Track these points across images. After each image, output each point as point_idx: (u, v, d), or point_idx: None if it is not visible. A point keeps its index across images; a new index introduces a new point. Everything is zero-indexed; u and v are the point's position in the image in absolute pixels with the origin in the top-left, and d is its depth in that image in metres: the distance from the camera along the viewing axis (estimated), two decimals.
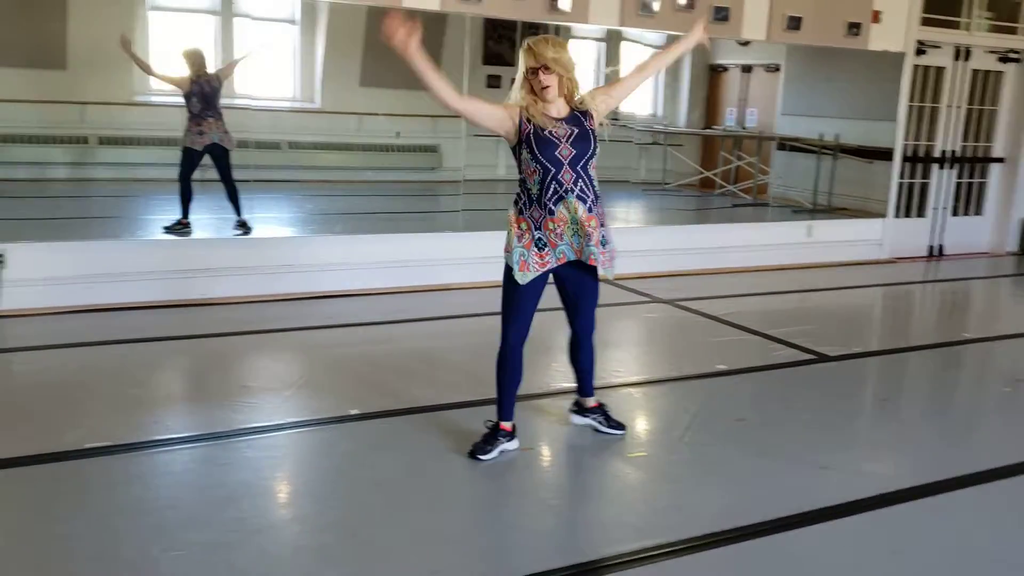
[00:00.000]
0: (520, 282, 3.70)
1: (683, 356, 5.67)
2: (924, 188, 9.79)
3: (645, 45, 12.46)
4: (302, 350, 5.51)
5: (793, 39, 8.50)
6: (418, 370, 5.06)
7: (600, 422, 4.17)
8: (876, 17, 8.68)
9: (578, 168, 3.65)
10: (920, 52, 9.22)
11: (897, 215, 9.56)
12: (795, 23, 8.26)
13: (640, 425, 4.48)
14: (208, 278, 6.28)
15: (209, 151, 7.08)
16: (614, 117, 4.00)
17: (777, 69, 11.64)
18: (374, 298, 6.70)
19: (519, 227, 3.70)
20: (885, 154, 9.46)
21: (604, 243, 3.76)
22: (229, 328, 5.75)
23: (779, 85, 11.64)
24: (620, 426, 4.18)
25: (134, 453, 3.78)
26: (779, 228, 9.21)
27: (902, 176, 9.52)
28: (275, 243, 7.03)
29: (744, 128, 11.81)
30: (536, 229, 3.68)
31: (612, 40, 12.16)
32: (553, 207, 3.64)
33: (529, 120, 3.61)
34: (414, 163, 11.11)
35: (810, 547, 3.26)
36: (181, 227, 6.85)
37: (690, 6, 7.61)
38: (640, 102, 12.91)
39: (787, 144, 11.00)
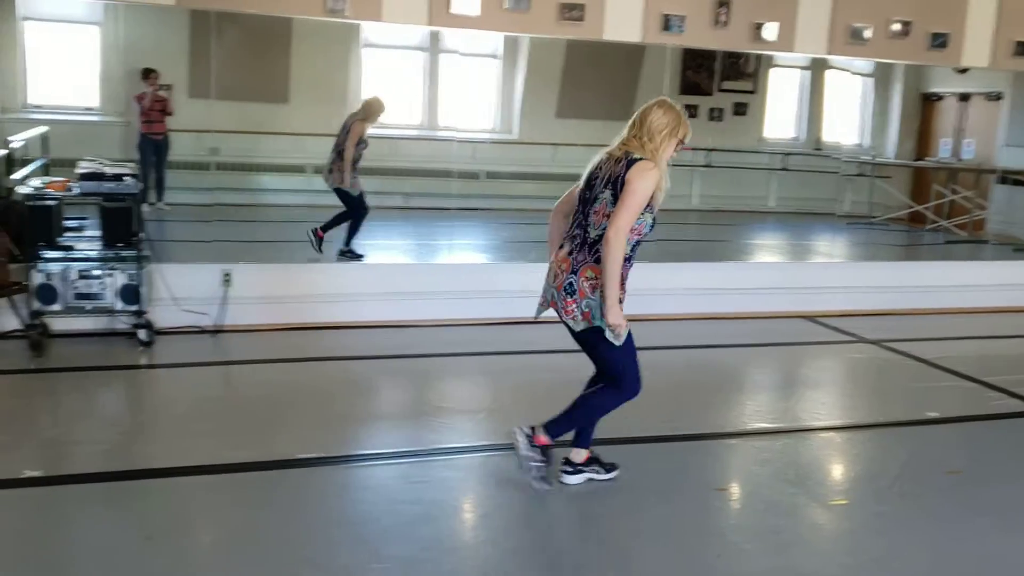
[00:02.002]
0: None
1: (890, 401, 5.35)
2: None
3: (853, 73, 11.98)
4: (495, 374, 5.63)
5: (1021, 66, 7.90)
6: None
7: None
8: None
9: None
10: None
11: None
12: (1023, 49, 7.67)
13: (842, 472, 4.26)
14: (409, 301, 6.53)
15: None
16: (817, 147, 3.80)
17: (999, 97, 10.87)
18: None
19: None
20: None
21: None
22: (426, 350, 5.95)
23: (1001, 114, 10.88)
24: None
25: (338, 466, 3.98)
26: (999, 267, 8.55)
27: None
28: (471, 269, 7.24)
29: (960, 160, 11.09)
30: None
31: (816, 68, 11.78)
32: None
33: None
34: None
35: None
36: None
37: (904, 33, 7.24)
38: (845, 131, 12.41)
39: (1010, 177, 10.24)
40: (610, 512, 3.67)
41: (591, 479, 3.82)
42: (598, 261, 3.41)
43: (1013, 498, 3.90)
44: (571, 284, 3.49)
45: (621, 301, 3.47)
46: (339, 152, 7.22)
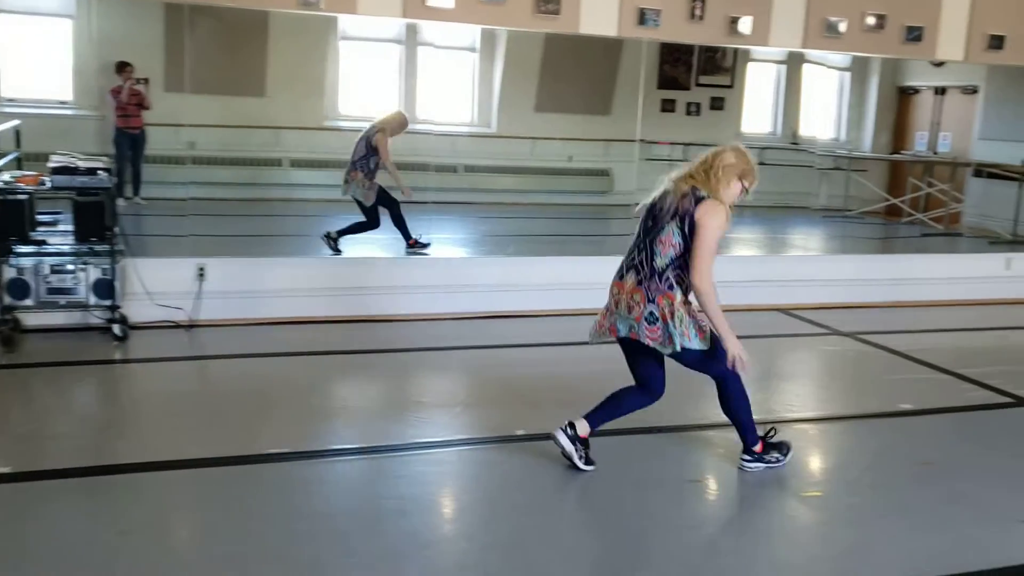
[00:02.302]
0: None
1: (864, 392, 5.39)
2: None
3: (829, 67, 12.05)
4: (473, 368, 5.63)
5: (994, 59, 7.96)
6: (586, 394, 5.03)
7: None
8: None
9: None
10: None
11: None
12: (997, 42, 7.74)
13: (816, 464, 4.29)
14: (386, 295, 6.52)
15: None
16: (793, 141, 3.93)
17: (975, 91, 10.96)
18: (544, 319, 6.75)
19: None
20: None
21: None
22: (404, 344, 5.95)
23: (977, 108, 10.97)
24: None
25: (314, 460, 3.96)
26: (973, 260, 8.62)
27: None
28: (449, 263, 7.24)
29: (936, 153, 11.18)
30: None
31: (792, 62, 11.83)
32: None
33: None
34: (586, 187, 11.18)
35: None
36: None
37: (879, 26, 7.29)
38: (822, 125, 12.47)
39: (985, 171, 10.33)
40: (585, 505, 3.68)
41: (571, 459, 3.84)
42: (671, 288, 3.63)
43: (985, 489, 3.94)
44: (652, 313, 3.64)
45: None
46: (354, 163, 7.23)
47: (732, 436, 4.35)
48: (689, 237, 3.59)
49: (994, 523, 3.59)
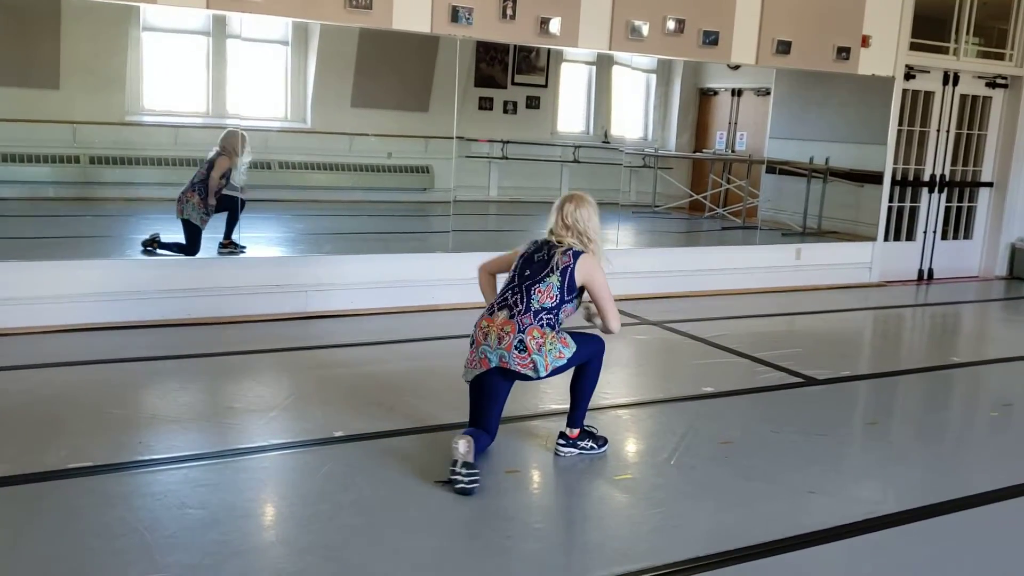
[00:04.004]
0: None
1: (671, 378, 5.67)
2: (914, 212, 9.85)
3: (635, 69, 12.57)
4: (289, 371, 5.49)
5: (782, 63, 8.58)
6: (405, 391, 5.04)
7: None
8: (865, 42, 8.78)
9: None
10: (909, 77, 9.31)
11: (887, 239, 9.62)
12: (784, 47, 8.34)
13: (627, 447, 4.47)
14: (195, 298, 6.27)
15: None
16: (605, 140, 4.29)
17: (767, 93, 11.71)
18: (363, 318, 6.69)
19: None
20: (875, 178, 9.52)
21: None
22: (215, 348, 5.73)
23: (769, 109, 11.72)
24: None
25: (116, 474, 3.75)
26: (768, 251, 9.25)
27: (891, 200, 9.59)
28: (264, 263, 7.02)
29: (733, 152, 11.86)
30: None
31: (603, 64, 12.24)
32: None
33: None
34: (406, 183, 11.11)
35: (796, 572, 3.25)
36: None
37: (679, 31, 7.68)
38: (630, 126, 12.97)
39: (776, 167, 11.07)
40: (408, 503, 3.66)
41: (466, 468, 3.70)
42: (543, 326, 3.90)
43: (777, 464, 4.23)
44: (522, 342, 3.87)
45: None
46: (193, 184, 6.96)
47: (551, 425, 4.49)
48: (568, 290, 3.93)
49: (787, 495, 3.86)
